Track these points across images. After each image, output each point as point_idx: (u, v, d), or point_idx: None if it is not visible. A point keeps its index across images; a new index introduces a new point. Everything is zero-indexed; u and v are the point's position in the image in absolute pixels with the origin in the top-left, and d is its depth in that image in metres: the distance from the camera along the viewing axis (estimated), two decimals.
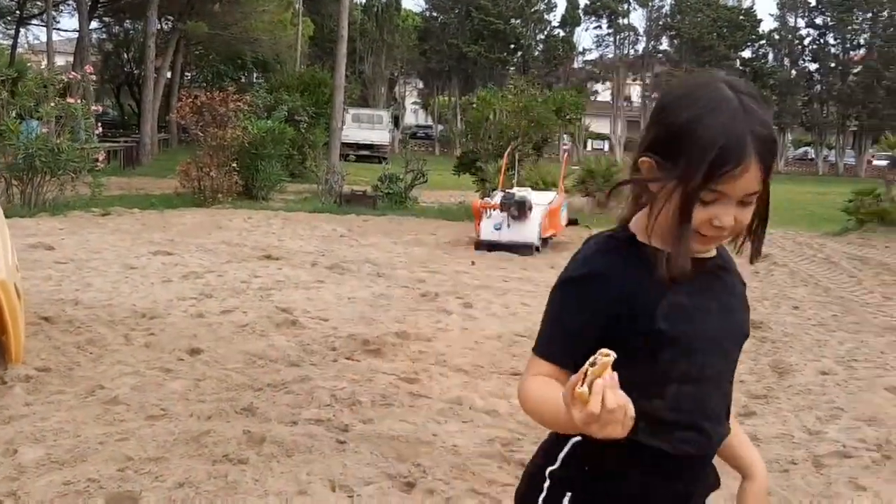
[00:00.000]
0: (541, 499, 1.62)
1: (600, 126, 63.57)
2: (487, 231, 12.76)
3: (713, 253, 1.60)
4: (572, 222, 15.37)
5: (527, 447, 4.48)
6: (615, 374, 1.33)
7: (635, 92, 68.79)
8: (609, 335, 1.51)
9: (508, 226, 12.62)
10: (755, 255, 1.61)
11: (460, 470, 4.10)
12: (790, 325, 8.24)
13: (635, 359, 1.51)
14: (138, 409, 4.79)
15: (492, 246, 12.54)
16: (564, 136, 47.09)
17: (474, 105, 21.27)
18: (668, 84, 1.57)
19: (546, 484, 1.62)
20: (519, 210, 12.60)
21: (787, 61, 62.17)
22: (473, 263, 11.32)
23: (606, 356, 1.34)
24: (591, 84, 64.47)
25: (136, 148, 29.69)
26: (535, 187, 15.20)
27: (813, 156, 63.64)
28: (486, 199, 14.05)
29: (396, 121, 50.86)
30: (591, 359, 1.34)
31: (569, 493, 1.60)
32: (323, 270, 10.13)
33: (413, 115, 71.37)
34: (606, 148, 60.76)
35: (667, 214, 1.49)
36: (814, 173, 58.54)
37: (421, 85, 67.22)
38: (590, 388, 1.32)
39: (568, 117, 21.87)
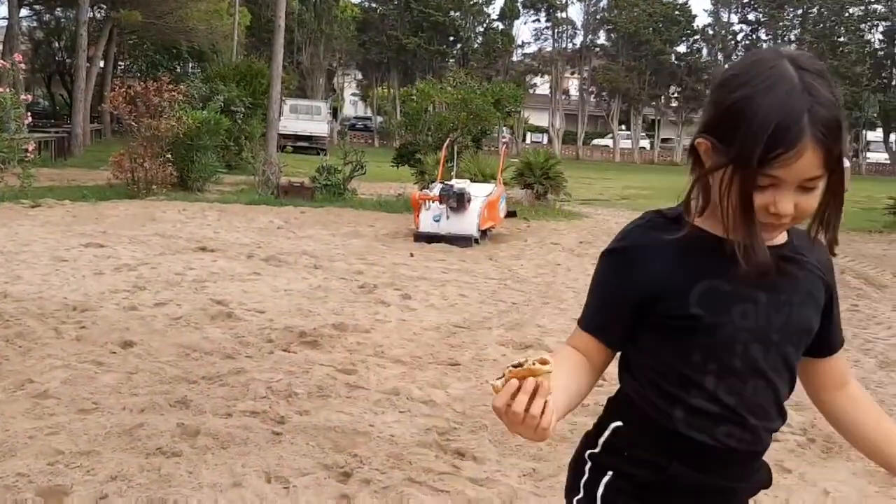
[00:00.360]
0: (582, 482, 1.62)
1: (539, 119, 64.03)
2: (426, 223, 12.77)
3: (780, 240, 1.51)
4: (511, 214, 15.48)
5: (464, 436, 4.52)
6: (543, 384, 1.31)
7: (573, 85, 69.40)
8: (643, 314, 1.51)
9: (447, 217, 12.64)
10: (832, 245, 1.53)
11: (397, 459, 4.11)
12: None
13: (671, 344, 1.50)
14: (69, 402, 4.70)
15: (431, 238, 12.55)
16: (503, 128, 47.36)
17: (413, 97, 21.26)
18: (732, 61, 1.47)
19: (587, 466, 1.62)
20: (458, 202, 12.62)
21: (720, 56, 63.24)
22: (412, 255, 11.33)
23: (542, 364, 1.32)
24: (530, 77, 64.81)
25: (68, 139, 28.97)
26: (473, 179, 15.24)
27: None
28: (425, 190, 14.06)
29: (335, 112, 50.51)
30: (522, 359, 1.34)
31: (609, 472, 1.59)
32: (259, 262, 10.04)
33: (352, 107, 70.99)
34: (545, 140, 61.24)
35: (726, 199, 1.40)
36: None
37: (360, 76, 66.85)
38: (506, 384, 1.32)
39: (507, 110, 21.97)
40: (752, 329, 1.47)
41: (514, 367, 1.33)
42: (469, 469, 4.07)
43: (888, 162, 60.61)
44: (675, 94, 63.52)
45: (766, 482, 1.66)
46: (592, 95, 64.44)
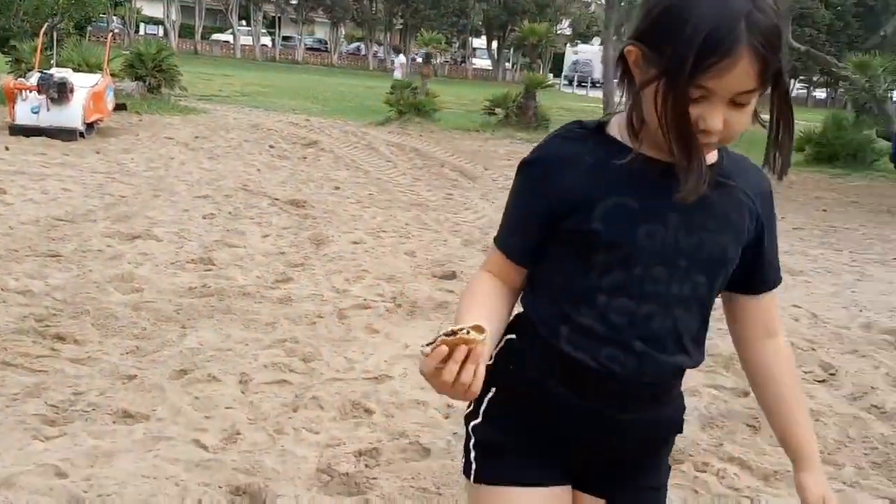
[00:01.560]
0: None
1: (153, 10, 60.49)
2: (23, 115, 11.80)
3: (709, 161, 1.36)
4: (120, 107, 14.72)
5: (64, 322, 4.46)
6: (476, 350, 1.25)
7: None
8: (549, 227, 1.42)
9: (48, 109, 11.78)
10: (783, 170, 1.41)
11: None
12: (331, 203, 8.89)
13: (572, 260, 1.41)
14: None
15: (29, 131, 11.65)
16: (114, 17, 44.27)
17: None
18: None
19: None
20: (59, 92, 11.80)
21: None
22: (7, 149, 10.46)
23: (477, 332, 1.26)
24: None
25: None
26: (77, 69, 14.26)
27: (365, 51, 66.71)
28: (21, 80, 12.94)
29: None
30: (456, 327, 1.27)
31: (493, 389, 1.50)
32: None
33: None
34: (161, 33, 58.18)
35: (662, 116, 1.27)
36: (365, 68, 61.55)
37: None
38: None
39: None
40: (657, 251, 1.38)
41: (447, 335, 1.25)
42: (69, 351, 4.06)
43: (490, 68, 65.72)
44: None
45: (673, 423, 1.56)
46: None
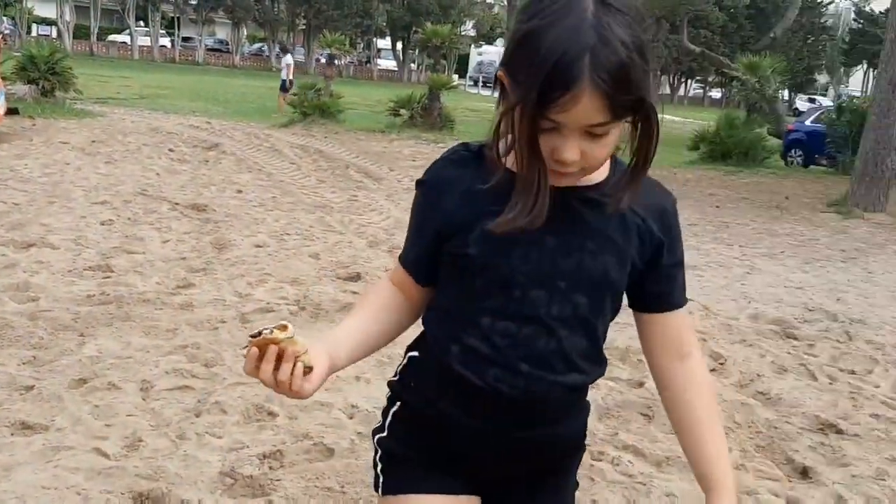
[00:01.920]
0: (382, 409, 1.59)
1: (46, 10, 58.59)
2: None
3: (597, 179, 1.38)
4: (12, 111, 14.27)
5: None
6: (287, 349, 1.27)
7: None
8: (437, 248, 1.44)
9: None
10: (615, 203, 1.37)
11: None
12: (233, 206, 8.81)
13: (456, 282, 1.43)
14: None
15: None
16: (3, 18, 42.73)
17: None
18: None
19: (387, 394, 1.58)
20: None
21: None
22: None
23: (281, 331, 1.27)
24: None
25: None
26: None
27: (267, 52, 65.90)
28: None
29: None
30: (262, 328, 1.28)
31: (397, 404, 1.54)
32: None
33: None
34: (54, 34, 56.35)
35: (516, 141, 1.27)
36: (268, 69, 60.76)
37: None
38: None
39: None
40: (534, 273, 1.37)
41: (253, 336, 1.27)
42: None
43: (396, 69, 65.74)
44: None
45: (571, 440, 1.56)
46: None
